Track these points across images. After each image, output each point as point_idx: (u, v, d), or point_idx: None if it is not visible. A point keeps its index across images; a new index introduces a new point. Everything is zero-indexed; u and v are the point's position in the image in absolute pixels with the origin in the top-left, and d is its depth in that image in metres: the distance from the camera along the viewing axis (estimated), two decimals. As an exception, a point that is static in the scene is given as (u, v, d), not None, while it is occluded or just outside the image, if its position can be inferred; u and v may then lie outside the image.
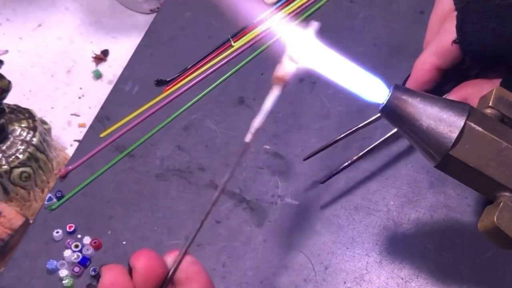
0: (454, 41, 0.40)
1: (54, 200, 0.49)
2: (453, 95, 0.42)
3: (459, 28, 0.40)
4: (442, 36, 0.40)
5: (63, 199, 0.49)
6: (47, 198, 0.49)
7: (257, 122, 0.31)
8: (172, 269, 0.29)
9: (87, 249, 0.46)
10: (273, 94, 0.32)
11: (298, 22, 0.57)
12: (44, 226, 0.48)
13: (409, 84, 0.43)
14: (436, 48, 0.41)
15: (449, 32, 0.40)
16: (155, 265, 0.29)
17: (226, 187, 0.31)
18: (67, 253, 0.46)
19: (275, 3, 0.58)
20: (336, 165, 0.49)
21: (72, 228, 0.47)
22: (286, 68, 0.32)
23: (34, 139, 0.56)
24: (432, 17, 0.43)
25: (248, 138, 0.31)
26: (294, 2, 0.57)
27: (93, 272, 0.45)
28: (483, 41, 0.39)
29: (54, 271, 0.46)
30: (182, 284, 0.30)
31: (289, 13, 0.57)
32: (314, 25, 0.32)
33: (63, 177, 0.50)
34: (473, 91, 0.41)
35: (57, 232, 0.47)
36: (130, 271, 0.29)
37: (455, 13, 0.40)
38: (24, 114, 0.58)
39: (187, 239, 0.30)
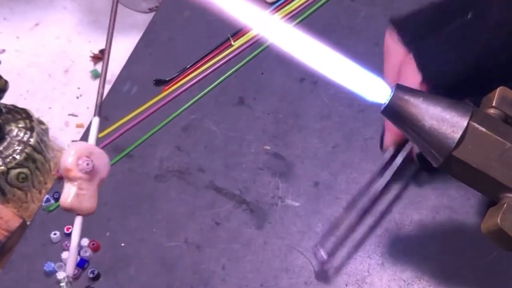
0: (422, 81, 0.40)
1: (52, 201, 0.48)
2: None
3: (422, 66, 0.39)
4: (406, 81, 0.39)
5: (61, 200, 0.48)
6: (44, 200, 0.48)
7: (68, 269, 0.28)
8: None
9: (85, 251, 0.46)
10: (78, 225, 0.29)
11: (297, 22, 0.56)
12: (42, 228, 0.47)
13: (388, 138, 0.44)
14: None
15: (411, 75, 0.40)
16: None
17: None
18: (65, 255, 0.46)
19: (275, 2, 0.57)
20: (337, 166, 0.48)
21: (70, 230, 0.47)
22: (70, 195, 0.28)
23: (31, 140, 0.56)
24: (387, 71, 0.43)
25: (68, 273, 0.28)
26: (295, 1, 0.57)
27: (91, 274, 0.45)
28: (451, 68, 0.39)
29: (52, 273, 0.45)
30: None
31: (290, 12, 0.57)
32: None
33: (61, 178, 0.50)
34: None
35: (55, 234, 0.47)
36: None
37: (409, 57, 0.40)
38: (21, 114, 0.58)
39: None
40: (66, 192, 0.29)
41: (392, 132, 0.44)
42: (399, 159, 0.44)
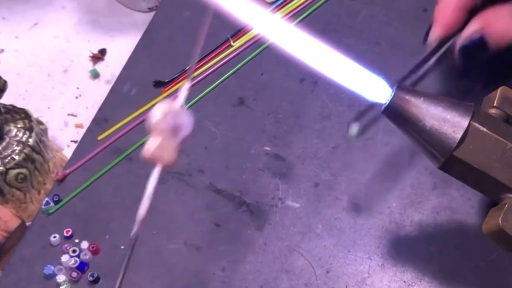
0: None
1: (51, 204, 0.48)
2: (472, 25, 0.40)
3: None
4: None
5: (61, 203, 0.48)
6: (44, 202, 0.48)
7: (141, 212, 0.30)
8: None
9: (85, 254, 0.46)
10: (155, 176, 0.30)
11: (297, 22, 0.56)
12: (41, 231, 0.47)
13: (435, 32, 0.41)
14: None
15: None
16: None
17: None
18: (64, 258, 0.45)
19: (275, 1, 0.57)
20: (337, 166, 0.48)
21: (70, 233, 0.47)
22: (153, 145, 0.30)
23: (30, 140, 0.55)
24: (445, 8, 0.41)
25: (134, 230, 0.30)
26: (295, 1, 0.57)
27: (91, 278, 0.45)
28: None
29: (52, 276, 0.45)
30: None
31: (290, 12, 0.56)
32: None
33: (61, 180, 0.50)
34: (491, 16, 0.40)
35: (54, 237, 0.47)
36: None
37: None
38: (20, 114, 0.58)
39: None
40: (149, 142, 0.31)
41: (441, 25, 0.41)
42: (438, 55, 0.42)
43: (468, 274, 0.43)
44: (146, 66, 0.56)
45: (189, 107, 0.53)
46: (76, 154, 0.51)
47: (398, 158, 0.48)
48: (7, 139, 0.55)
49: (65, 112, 0.64)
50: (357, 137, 0.38)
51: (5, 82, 0.53)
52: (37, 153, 0.56)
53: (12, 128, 0.56)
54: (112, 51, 0.68)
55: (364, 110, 0.38)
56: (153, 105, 0.53)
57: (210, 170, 0.49)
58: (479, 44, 0.40)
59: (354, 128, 0.36)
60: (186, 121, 0.33)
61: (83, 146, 0.52)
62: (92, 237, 0.46)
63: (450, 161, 0.34)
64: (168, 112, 0.32)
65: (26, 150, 0.55)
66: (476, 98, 0.37)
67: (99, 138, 0.52)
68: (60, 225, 0.47)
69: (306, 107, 0.52)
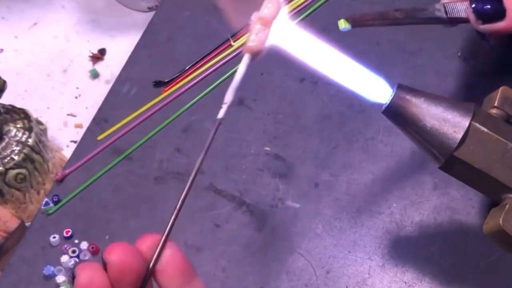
0: None
1: (51, 204, 0.48)
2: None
3: None
4: None
5: (60, 203, 0.48)
6: (44, 203, 0.48)
7: (229, 96, 0.31)
8: (154, 259, 0.28)
9: (85, 255, 0.45)
10: (244, 64, 0.31)
11: (298, 21, 0.56)
12: (41, 231, 0.47)
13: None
14: None
15: None
16: (129, 257, 0.27)
17: (201, 168, 0.30)
18: (64, 258, 0.45)
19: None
20: (337, 167, 0.48)
21: (69, 233, 0.47)
22: (258, 36, 0.31)
23: (30, 140, 0.55)
24: None
25: (220, 114, 0.30)
26: (295, 0, 0.57)
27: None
28: None
29: (51, 277, 0.45)
30: (158, 272, 0.28)
31: (290, 12, 0.56)
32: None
33: (60, 181, 0.49)
34: None
35: (54, 237, 0.46)
36: (105, 266, 0.27)
37: None
38: (19, 114, 0.57)
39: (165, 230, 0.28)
40: (257, 32, 0.32)
41: None
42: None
43: (468, 275, 0.43)
44: (146, 66, 0.56)
45: (189, 107, 0.53)
46: (76, 154, 0.51)
47: (399, 159, 0.48)
48: (7, 139, 0.55)
49: (65, 112, 0.64)
50: (347, 28, 0.38)
51: (4, 82, 0.53)
52: (36, 153, 0.55)
53: (12, 128, 0.56)
54: (112, 51, 0.68)
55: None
56: (153, 105, 0.53)
57: (210, 171, 0.49)
58: (494, 8, 0.39)
59: (342, 23, 0.36)
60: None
61: (82, 146, 0.52)
62: (92, 237, 0.46)
63: (450, 161, 0.34)
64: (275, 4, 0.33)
65: (26, 150, 0.55)
66: (476, 98, 0.37)
67: (99, 138, 0.52)
68: (60, 226, 0.47)
69: (306, 107, 0.52)
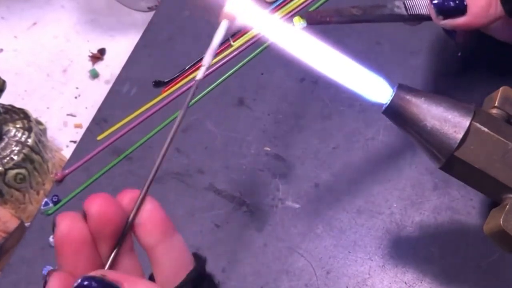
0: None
1: (51, 205, 0.48)
2: None
3: None
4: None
5: (60, 203, 0.48)
6: (43, 203, 0.48)
7: (207, 59, 0.30)
8: (133, 213, 0.27)
9: (84, 254, 0.45)
10: (222, 29, 0.31)
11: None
12: (41, 232, 0.47)
13: None
14: None
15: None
16: (110, 209, 0.27)
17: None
18: (63, 259, 0.45)
19: (275, 1, 0.57)
20: (338, 167, 0.48)
21: (69, 233, 0.46)
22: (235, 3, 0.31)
23: (29, 140, 0.55)
24: None
25: (199, 75, 0.30)
26: (295, 0, 0.57)
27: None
28: None
29: (50, 277, 0.45)
30: (137, 225, 0.28)
31: (289, 11, 0.56)
32: None
33: (60, 181, 0.49)
34: None
35: (54, 238, 0.46)
36: (85, 217, 0.27)
37: None
38: (19, 114, 0.57)
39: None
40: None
41: None
42: None
43: (469, 275, 0.43)
44: (146, 66, 0.56)
45: (189, 107, 0.53)
46: (76, 154, 0.51)
47: (399, 159, 0.48)
48: (6, 139, 0.55)
49: (64, 112, 0.64)
50: (302, 24, 0.37)
51: (4, 82, 0.53)
52: (36, 154, 0.55)
53: (11, 128, 0.55)
54: (112, 50, 0.68)
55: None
56: (153, 105, 0.53)
57: (210, 171, 0.49)
58: (455, 4, 0.39)
59: (297, 20, 0.36)
60: None
61: (82, 146, 0.51)
62: (91, 237, 0.46)
63: (451, 161, 0.34)
64: None
65: (25, 151, 0.55)
66: (477, 98, 0.37)
67: (99, 138, 0.52)
68: (59, 226, 0.47)
69: (306, 107, 0.51)
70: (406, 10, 0.41)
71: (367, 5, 0.41)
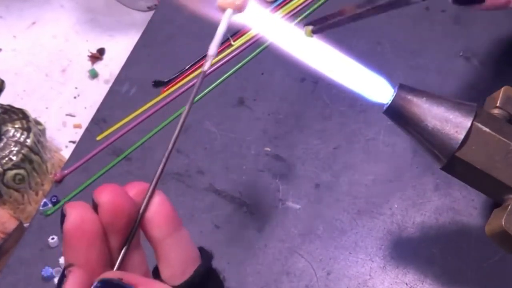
0: None
1: (50, 205, 0.48)
2: None
3: None
4: None
5: (59, 204, 0.48)
6: (42, 204, 0.48)
7: (213, 49, 0.30)
8: (143, 205, 0.26)
9: (83, 255, 0.45)
10: (226, 18, 0.30)
11: (297, 21, 0.56)
12: (39, 232, 0.47)
13: None
14: None
15: None
16: (121, 199, 0.25)
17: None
18: (62, 260, 0.45)
19: (275, 1, 0.56)
20: (338, 167, 0.48)
21: (68, 234, 0.46)
22: None
23: (28, 140, 0.55)
24: None
25: (205, 66, 0.29)
26: (295, 0, 0.56)
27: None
28: None
29: (50, 278, 0.45)
30: (146, 218, 0.26)
31: (290, 11, 0.56)
32: None
33: (59, 181, 0.49)
34: None
35: (53, 239, 0.46)
36: (95, 208, 0.25)
37: None
38: (17, 114, 0.57)
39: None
40: None
41: None
42: None
43: (470, 276, 0.42)
44: (145, 66, 0.55)
45: (194, 103, 0.53)
46: (75, 154, 0.51)
47: (400, 159, 0.48)
48: (5, 140, 0.54)
49: (64, 112, 0.64)
50: (311, 36, 0.36)
51: (2, 81, 0.53)
52: (35, 154, 0.55)
53: (10, 128, 0.55)
54: (111, 50, 0.68)
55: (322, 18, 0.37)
56: (152, 105, 0.53)
57: (210, 171, 0.49)
58: None
59: (306, 29, 0.36)
60: None
61: (81, 146, 0.51)
62: (90, 238, 0.46)
63: (452, 161, 0.34)
64: None
65: (24, 151, 0.54)
66: (478, 98, 0.37)
67: (98, 138, 0.51)
68: (58, 227, 0.46)
69: (306, 107, 0.51)
70: None
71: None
